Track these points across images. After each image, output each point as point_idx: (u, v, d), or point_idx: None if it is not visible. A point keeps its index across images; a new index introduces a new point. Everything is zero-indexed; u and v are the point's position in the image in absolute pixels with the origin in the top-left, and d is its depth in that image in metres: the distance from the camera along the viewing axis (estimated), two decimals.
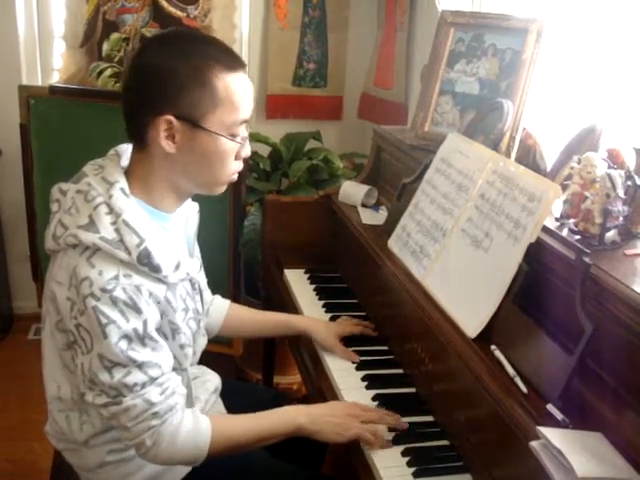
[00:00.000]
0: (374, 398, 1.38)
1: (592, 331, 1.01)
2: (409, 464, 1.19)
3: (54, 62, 2.94)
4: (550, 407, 1.02)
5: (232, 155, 1.17)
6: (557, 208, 1.27)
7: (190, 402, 1.22)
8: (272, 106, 3.08)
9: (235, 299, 1.62)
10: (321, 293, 1.85)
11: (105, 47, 2.86)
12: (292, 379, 2.61)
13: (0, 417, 2.48)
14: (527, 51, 1.59)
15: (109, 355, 1.07)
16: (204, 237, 1.43)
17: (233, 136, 1.15)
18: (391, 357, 1.55)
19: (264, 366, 2.23)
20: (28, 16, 2.84)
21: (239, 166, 1.21)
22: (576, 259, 1.07)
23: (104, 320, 1.06)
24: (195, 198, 1.31)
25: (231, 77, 1.12)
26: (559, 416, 1.00)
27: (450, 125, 1.78)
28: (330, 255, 2.02)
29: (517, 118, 1.56)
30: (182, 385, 1.19)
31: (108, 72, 2.76)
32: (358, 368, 1.49)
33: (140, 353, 1.09)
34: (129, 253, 1.08)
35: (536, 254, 1.19)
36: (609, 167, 1.20)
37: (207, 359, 1.46)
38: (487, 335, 1.22)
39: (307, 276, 1.95)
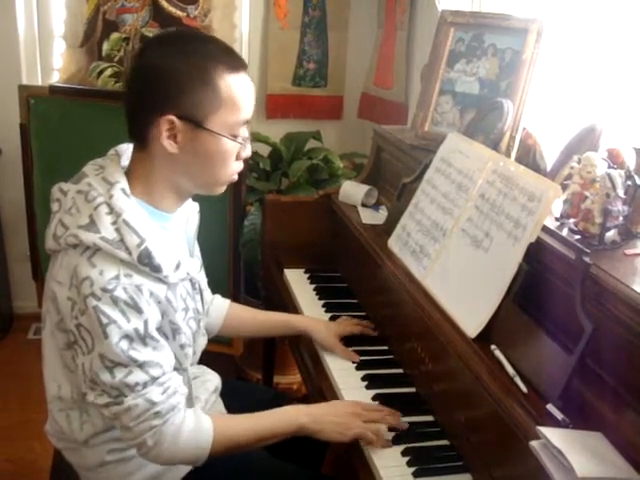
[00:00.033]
0: (374, 398, 1.38)
1: (592, 331, 1.01)
2: (409, 464, 1.19)
3: (54, 62, 2.94)
4: (550, 407, 1.03)
5: (233, 155, 1.17)
6: (557, 208, 1.27)
7: (190, 402, 1.22)
8: (272, 106, 3.08)
9: (235, 299, 1.62)
10: (321, 293, 1.85)
11: (105, 47, 2.86)
12: (292, 379, 2.61)
13: (0, 416, 2.49)
14: (527, 51, 1.59)
15: (110, 355, 1.07)
16: (204, 237, 1.43)
17: (234, 136, 1.15)
18: (391, 357, 1.55)
19: (264, 366, 2.24)
20: (28, 16, 2.84)
21: (239, 166, 1.21)
22: (576, 259, 1.07)
23: (105, 320, 1.06)
24: (195, 198, 1.31)
25: (233, 77, 1.12)
26: (559, 416, 1.00)
27: (450, 125, 1.78)
28: (330, 255, 2.02)
29: (517, 118, 1.56)
30: (183, 385, 1.19)
31: (108, 72, 2.76)
32: (358, 368, 1.49)
33: (141, 353, 1.09)
34: (130, 253, 1.08)
35: (536, 254, 1.19)
36: (609, 167, 1.20)
37: (207, 359, 1.46)
38: (487, 335, 1.22)
39: (307, 276, 1.95)
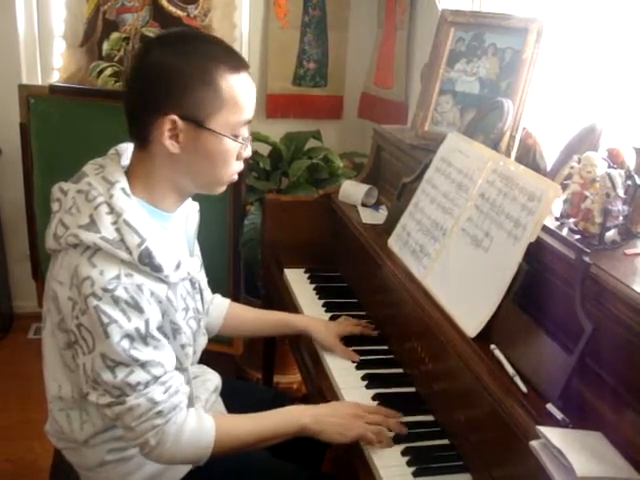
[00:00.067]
0: (374, 397, 1.38)
1: (592, 331, 1.01)
2: (409, 463, 1.19)
3: (54, 61, 2.94)
4: (550, 406, 1.03)
5: (234, 155, 1.18)
6: (557, 207, 1.27)
7: (190, 401, 1.22)
8: (272, 105, 3.08)
9: (235, 298, 1.63)
10: (321, 292, 1.85)
11: (105, 46, 2.86)
12: (292, 378, 2.61)
13: (0, 416, 2.49)
14: (527, 50, 1.59)
15: (111, 354, 1.07)
16: (204, 236, 1.43)
17: (236, 136, 1.15)
18: (391, 356, 1.55)
19: (264, 365, 2.24)
20: (28, 15, 2.84)
21: (240, 166, 1.21)
22: (576, 259, 1.07)
23: (106, 320, 1.06)
24: (195, 197, 1.31)
25: (235, 78, 1.12)
26: (559, 415, 1.00)
27: (450, 124, 1.78)
28: (330, 254, 2.02)
29: (517, 117, 1.56)
30: (185, 384, 1.19)
31: (108, 71, 2.76)
32: (358, 367, 1.49)
33: (142, 352, 1.09)
34: (130, 253, 1.08)
35: (536, 253, 1.19)
36: (609, 166, 1.20)
37: (207, 358, 1.46)
38: (487, 334, 1.22)
39: (307, 275, 1.95)
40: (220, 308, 1.55)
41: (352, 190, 1.99)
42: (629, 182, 1.18)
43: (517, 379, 1.10)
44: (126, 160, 1.21)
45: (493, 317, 1.22)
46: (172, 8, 2.88)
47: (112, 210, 1.10)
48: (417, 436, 1.26)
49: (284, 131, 2.91)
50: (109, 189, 1.11)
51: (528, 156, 1.55)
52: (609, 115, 1.55)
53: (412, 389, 1.43)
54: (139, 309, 1.08)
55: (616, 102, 1.62)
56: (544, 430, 0.95)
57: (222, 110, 1.12)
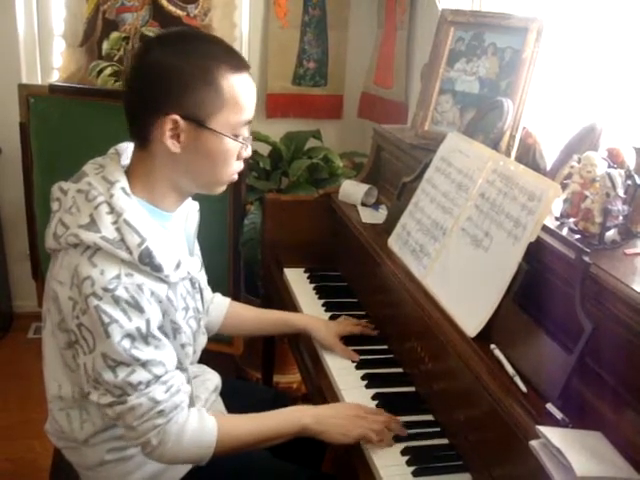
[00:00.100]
0: (374, 397, 1.38)
1: (592, 330, 1.01)
2: (409, 463, 1.19)
3: (54, 61, 2.94)
4: (549, 406, 1.03)
5: (235, 155, 1.18)
6: (557, 207, 1.27)
7: (190, 401, 1.22)
8: (272, 105, 3.08)
9: (235, 298, 1.62)
10: (321, 292, 1.85)
11: (105, 46, 2.86)
12: (292, 378, 2.61)
13: (0, 416, 2.48)
14: (527, 50, 1.59)
15: (112, 354, 1.07)
16: (204, 236, 1.43)
17: (236, 136, 1.15)
18: (391, 356, 1.55)
19: (263, 365, 2.24)
20: (28, 15, 2.84)
21: (240, 166, 1.22)
22: (576, 258, 1.07)
23: (106, 319, 1.06)
24: (195, 197, 1.31)
25: (236, 78, 1.12)
26: (558, 415, 1.00)
27: (450, 124, 1.78)
28: (330, 254, 2.02)
29: (517, 117, 1.56)
30: (186, 383, 1.19)
31: (108, 71, 2.76)
32: (358, 367, 1.49)
33: (143, 352, 1.09)
34: (130, 252, 1.08)
35: (536, 253, 1.19)
36: (609, 166, 1.20)
37: (207, 358, 1.46)
38: (487, 334, 1.22)
39: (307, 275, 1.95)
40: (220, 307, 1.55)
41: (352, 190, 1.99)
42: (629, 182, 1.18)
43: (517, 379, 1.10)
44: (126, 159, 1.21)
45: (493, 317, 1.22)
46: (172, 7, 2.88)
47: (112, 210, 1.10)
48: (417, 436, 1.27)
49: (284, 131, 2.91)
50: (109, 189, 1.11)
51: (528, 156, 1.55)
52: (609, 115, 1.55)
53: (412, 389, 1.43)
54: (140, 309, 1.08)
55: (616, 102, 1.62)
56: (544, 430, 0.95)
57: (223, 110, 1.12)
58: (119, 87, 2.67)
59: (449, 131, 1.62)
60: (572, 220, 1.23)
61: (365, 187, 1.98)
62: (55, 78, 2.90)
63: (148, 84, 1.11)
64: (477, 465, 1.16)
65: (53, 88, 2.33)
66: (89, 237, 1.07)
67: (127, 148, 1.23)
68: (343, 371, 1.47)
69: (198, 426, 1.17)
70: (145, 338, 1.09)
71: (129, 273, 1.08)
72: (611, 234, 1.20)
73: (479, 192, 1.38)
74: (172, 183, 1.17)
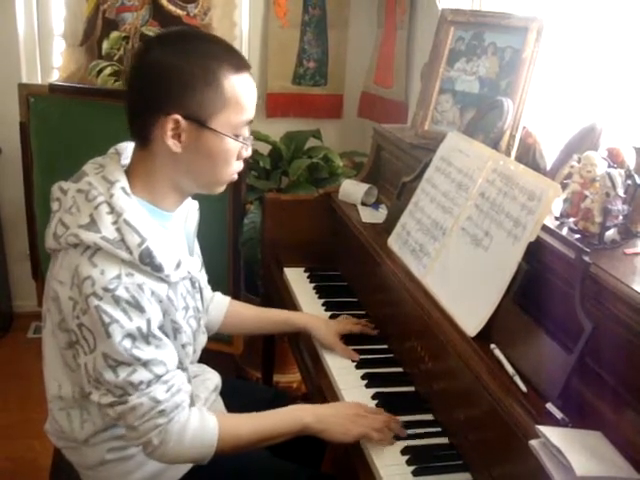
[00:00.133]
0: (374, 397, 1.38)
1: (591, 330, 1.01)
2: (409, 462, 1.19)
3: (54, 60, 2.94)
4: (549, 406, 1.03)
5: (235, 155, 1.18)
6: (557, 207, 1.27)
7: (191, 401, 1.22)
8: (272, 104, 3.08)
9: (235, 297, 1.62)
10: (321, 292, 1.85)
11: (105, 45, 2.86)
12: (292, 378, 2.61)
13: (0, 415, 2.49)
14: (527, 50, 1.59)
15: (113, 354, 1.07)
16: (204, 235, 1.43)
17: (237, 136, 1.16)
18: (391, 356, 1.55)
19: (263, 364, 2.24)
20: (28, 14, 2.84)
21: (240, 166, 1.22)
22: (576, 258, 1.07)
23: (107, 319, 1.06)
24: (195, 196, 1.31)
25: (237, 78, 1.12)
26: (558, 415, 1.00)
27: (450, 124, 1.78)
28: (330, 254, 2.02)
29: (517, 117, 1.56)
30: (187, 383, 1.19)
31: (108, 70, 2.76)
32: (358, 367, 1.49)
33: (144, 351, 1.09)
34: (130, 252, 1.08)
35: (536, 253, 1.19)
36: (609, 166, 1.20)
37: (207, 357, 1.46)
38: (487, 334, 1.22)
39: (307, 275, 1.95)
40: (220, 306, 1.55)
41: (352, 189, 1.99)
42: (629, 181, 1.19)
43: (517, 378, 1.10)
44: (126, 159, 1.21)
45: (493, 316, 1.22)
46: (172, 7, 2.88)
47: (112, 210, 1.10)
48: (417, 435, 1.27)
49: (284, 130, 2.91)
50: (109, 188, 1.11)
51: (528, 155, 1.55)
52: (609, 114, 1.55)
53: (412, 388, 1.43)
54: (140, 308, 1.08)
55: (616, 101, 1.62)
56: (544, 429, 0.95)
57: (224, 110, 1.12)
58: (119, 87, 2.67)
59: (449, 131, 1.62)
60: (572, 220, 1.23)
61: (365, 187, 1.98)
62: (55, 78, 2.90)
63: (149, 84, 1.11)
64: (477, 465, 1.16)
65: (53, 88, 2.33)
66: (89, 237, 1.07)
67: (127, 148, 1.23)
68: (343, 370, 1.48)
69: (199, 425, 1.17)
70: (146, 338, 1.09)
71: (129, 273, 1.08)
72: (611, 234, 1.20)
73: (479, 192, 1.38)
74: (172, 183, 1.17)
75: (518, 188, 1.27)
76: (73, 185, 1.14)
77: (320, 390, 1.45)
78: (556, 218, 1.27)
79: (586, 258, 1.05)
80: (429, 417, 1.33)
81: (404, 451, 1.22)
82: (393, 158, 1.98)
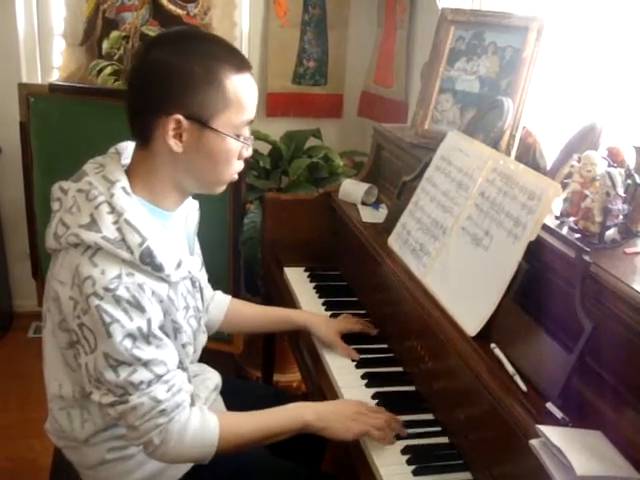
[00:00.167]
0: (374, 396, 1.38)
1: (592, 329, 1.01)
2: (409, 462, 1.19)
3: (54, 60, 2.94)
4: (550, 405, 1.03)
5: (236, 155, 1.18)
6: (557, 206, 1.27)
7: (191, 400, 1.23)
8: (272, 104, 3.08)
9: (235, 297, 1.63)
10: (321, 291, 1.85)
11: (105, 45, 2.86)
12: (292, 377, 2.61)
13: (0, 415, 2.49)
14: (527, 49, 1.59)
15: (114, 354, 1.07)
16: (204, 235, 1.43)
17: (238, 136, 1.16)
18: (391, 355, 1.55)
19: (264, 364, 2.24)
20: (28, 14, 2.84)
21: (241, 166, 1.22)
22: (576, 257, 1.07)
23: (108, 319, 1.06)
24: (195, 196, 1.31)
25: (239, 78, 1.12)
26: (558, 414, 1.00)
27: (450, 123, 1.78)
28: (330, 253, 2.02)
29: (517, 116, 1.56)
30: (188, 382, 1.19)
31: (108, 70, 2.76)
32: (358, 366, 1.49)
33: (145, 351, 1.09)
34: (131, 252, 1.08)
35: (536, 252, 1.19)
36: (609, 165, 1.20)
37: (207, 357, 1.46)
38: (487, 333, 1.22)
39: (307, 274, 1.95)
40: (221, 305, 1.55)
41: (352, 189, 1.99)
42: (629, 181, 1.19)
43: (517, 378, 1.10)
44: (126, 159, 1.21)
45: (493, 316, 1.22)
46: (172, 7, 2.88)
47: (113, 209, 1.10)
48: (417, 435, 1.27)
49: (284, 130, 2.91)
50: (109, 188, 1.11)
51: (528, 155, 1.55)
52: (609, 114, 1.55)
53: (412, 388, 1.43)
54: (141, 308, 1.08)
55: (616, 101, 1.62)
56: (544, 429, 0.95)
57: (226, 110, 1.12)
58: (119, 86, 2.67)
59: (449, 130, 1.62)
60: (572, 219, 1.23)
61: (365, 186, 1.98)
62: (55, 77, 2.90)
63: (150, 84, 1.11)
64: (477, 464, 1.16)
65: (53, 87, 2.33)
66: (90, 237, 1.07)
67: (127, 147, 1.23)
68: (343, 370, 1.48)
69: (200, 425, 1.17)
70: (146, 338, 1.09)
71: (130, 273, 1.08)
72: (611, 233, 1.20)
73: (479, 191, 1.38)
74: (173, 182, 1.17)
75: (518, 187, 1.27)
76: (73, 185, 1.14)
77: (320, 390, 1.45)
78: (556, 217, 1.27)
79: (586, 257, 1.05)
80: (429, 416, 1.33)
81: (404, 450, 1.22)
82: (393, 157, 1.98)
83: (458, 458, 1.21)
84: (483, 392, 1.12)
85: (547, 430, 0.95)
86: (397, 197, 1.73)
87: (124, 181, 1.13)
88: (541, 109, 1.68)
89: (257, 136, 2.70)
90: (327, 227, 2.03)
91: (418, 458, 1.20)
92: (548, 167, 1.51)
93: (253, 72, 1.17)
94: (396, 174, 1.90)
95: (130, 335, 1.07)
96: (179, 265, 1.16)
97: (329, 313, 1.72)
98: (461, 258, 1.36)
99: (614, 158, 1.24)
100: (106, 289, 1.05)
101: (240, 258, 2.26)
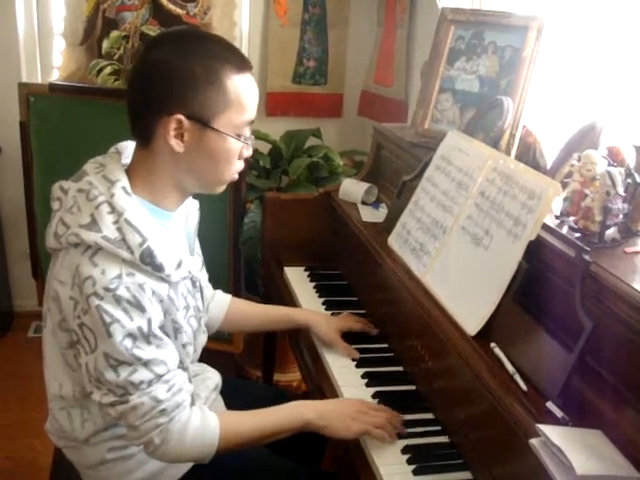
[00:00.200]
0: (374, 396, 1.38)
1: (592, 328, 1.01)
2: (409, 461, 1.20)
3: (54, 60, 2.94)
4: (550, 405, 1.03)
5: (237, 155, 1.18)
6: (557, 206, 1.27)
7: (192, 400, 1.23)
8: (272, 103, 3.08)
9: (235, 296, 1.63)
10: (321, 291, 1.85)
11: (105, 45, 2.86)
12: (292, 376, 2.61)
13: (0, 415, 2.49)
14: (527, 49, 1.59)
15: (114, 354, 1.07)
16: (204, 234, 1.43)
17: (239, 136, 1.16)
18: (391, 354, 1.55)
19: (264, 363, 2.24)
20: (28, 14, 2.84)
21: (241, 165, 1.22)
22: (576, 257, 1.07)
23: (108, 319, 1.06)
24: (195, 196, 1.31)
25: (240, 78, 1.12)
26: (559, 414, 1.01)
27: (450, 123, 1.78)
28: (330, 253, 2.02)
29: (517, 116, 1.56)
30: (188, 382, 1.19)
31: (108, 70, 2.76)
32: (358, 365, 1.49)
33: (145, 351, 1.09)
34: (131, 252, 1.08)
35: (536, 252, 1.19)
36: (609, 165, 1.20)
37: (207, 356, 1.46)
38: (487, 332, 1.22)
39: (307, 274, 1.95)
40: (221, 304, 1.55)
41: (352, 188, 1.99)
42: (629, 180, 1.19)
43: (517, 377, 1.10)
44: (126, 158, 1.21)
45: (493, 315, 1.22)
46: (172, 6, 2.88)
47: (113, 209, 1.10)
48: (417, 434, 1.27)
49: (284, 129, 2.91)
50: (110, 188, 1.11)
51: (528, 154, 1.55)
52: (609, 113, 1.55)
53: (412, 387, 1.43)
54: (141, 308, 1.08)
55: (616, 100, 1.62)
56: (544, 428, 0.95)
57: (227, 110, 1.12)
58: (119, 86, 2.67)
59: (449, 129, 1.62)
60: (572, 218, 1.23)
61: (365, 186, 1.98)
62: (55, 77, 2.90)
63: (152, 84, 1.11)
64: (477, 463, 1.16)
65: (53, 87, 2.33)
66: (90, 237, 1.07)
67: (127, 147, 1.23)
68: (343, 369, 1.48)
69: (200, 424, 1.17)
70: (147, 337, 1.09)
71: (130, 273, 1.08)
72: (611, 232, 1.20)
73: (479, 190, 1.38)
74: (174, 182, 1.17)
75: (518, 187, 1.27)
76: (74, 184, 1.14)
77: (320, 389, 1.45)
78: (556, 217, 1.27)
79: (586, 257, 1.05)
80: (429, 416, 1.33)
81: (404, 450, 1.22)
82: (393, 157, 1.98)
83: (458, 457, 1.21)
84: (483, 391, 1.12)
85: (547, 429, 0.95)
86: (397, 196, 1.73)
87: (124, 181, 1.13)
88: (541, 108, 1.68)
89: (257, 135, 2.70)
90: (327, 227, 2.03)
91: (418, 457, 1.20)
92: (548, 166, 1.51)
93: (253, 72, 1.17)
94: (396, 173, 1.90)
95: (130, 335, 1.07)
96: (179, 265, 1.16)
97: (329, 313, 1.72)
98: (461, 257, 1.36)
99: (614, 157, 1.24)
100: (106, 289, 1.05)
101: (240, 258, 2.26)
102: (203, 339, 1.37)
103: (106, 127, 1.76)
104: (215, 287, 1.56)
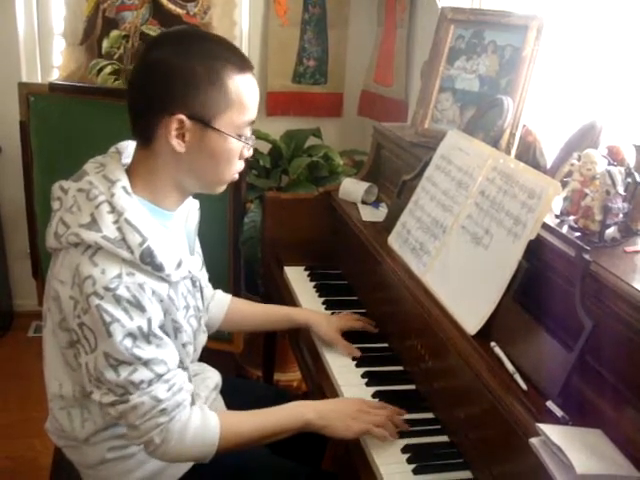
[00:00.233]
0: (374, 395, 1.38)
1: (592, 328, 1.01)
2: (409, 461, 1.20)
3: (54, 59, 2.94)
4: (550, 404, 1.03)
5: (238, 155, 1.18)
6: (557, 205, 1.27)
7: (192, 399, 1.23)
8: (272, 103, 3.08)
9: (235, 296, 1.63)
10: (321, 290, 1.85)
11: (105, 44, 2.86)
12: (292, 376, 2.61)
13: (0, 414, 2.49)
14: (527, 48, 1.59)
15: (114, 353, 1.07)
16: (204, 234, 1.43)
17: (240, 136, 1.16)
18: (391, 354, 1.55)
19: (264, 363, 2.24)
20: (28, 13, 2.84)
21: (241, 165, 1.22)
22: (576, 256, 1.07)
23: (108, 319, 1.06)
24: (195, 195, 1.31)
25: (241, 78, 1.12)
26: (559, 413, 1.01)
27: (450, 122, 1.78)
28: (330, 252, 2.02)
29: (517, 115, 1.56)
30: (188, 381, 1.19)
31: (108, 69, 2.76)
32: (358, 365, 1.49)
33: (145, 350, 1.09)
34: (131, 252, 1.08)
35: (536, 251, 1.19)
36: (609, 164, 1.20)
37: (207, 356, 1.46)
38: (487, 332, 1.22)
39: (307, 273, 1.95)
40: (221, 304, 1.55)
41: (352, 188, 1.99)
42: (629, 179, 1.19)
43: (517, 376, 1.11)
44: (127, 158, 1.21)
45: (493, 315, 1.22)
46: (172, 6, 2.88)
47: (113, 209, 1.10)
48: (417, 433, 1.27)
49: (284, 129, 2.91)
50: (110, 188, 1.11)
51: (528, 153, 1.55)
52: (609, 112, 1.55)
53: (412, 386, 1.43)
54: (141, 308, 1.08)
55: (616, 99, 1.62)
56: (544, 427, 0.95)
57: (228, 110, 1.12)
58: (119, 85, 2.67)
59: (449, 129, 1.62)
60: (572, 218, 1.23)
61: (365, 185, 1.98)
62: (55, 76, 2.90)
63: (153, 84, 1.11)
64: (477, 463, 1.16)
65: (53, 86, 2.33)
66: (90, 236, 1.07)
67: (127, 146, 1.23)
68: (343, 369, 1.48)
69: (201, 424, 1.17)
70: (147, 337, 1.09)
71: (130, 272, 1.08)
72: (611, 232, 1.20)
73: (479, 190, 1.38)
74: (174, 182, 1.17)
75: (518, 186, 1.27)
76: (74, 184, 1.14)
77: (321, 389, 1.45)
78: (556, 216, 1.27)
79: (586, 256, 1.05)
80: (429, 415, 1.33)
81: (404, 449, 1.22)
82: (393, 156, 1.98)
83: (458, 457, 1.21)
84: (483, 391, 1.12)
85: (547, 429, 0.95)
86: (397, 196, 1.73)
87: (124, 181, 1.13)
88: (541, 107, 1.68)
89: (257, 135, 2.70)
90: (327, 226, 2.03)
91: (418, 457, 1.20)
92: (548, 166, 1.52)
93: (253, 71, 1.17)
94: (396, 173, 1.90)
95: (130, 334, 1.07)
96: (179, 265, 1.16)
97: (329, 312, 1.72)
98: (461, 257, 1.36)
99: (614, 156, 1.24)
100: (106, 288, 1.05)
101: (240, 257, 2.26)
102: (203, 339, 1.37)
103: (106, 127, 1.77)
104: (215, 287, 1.56)
